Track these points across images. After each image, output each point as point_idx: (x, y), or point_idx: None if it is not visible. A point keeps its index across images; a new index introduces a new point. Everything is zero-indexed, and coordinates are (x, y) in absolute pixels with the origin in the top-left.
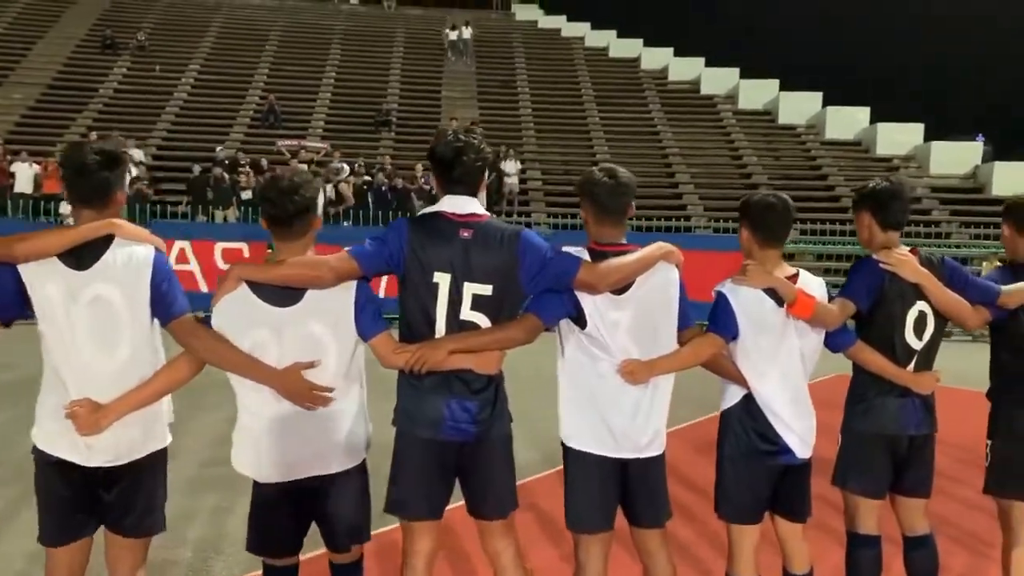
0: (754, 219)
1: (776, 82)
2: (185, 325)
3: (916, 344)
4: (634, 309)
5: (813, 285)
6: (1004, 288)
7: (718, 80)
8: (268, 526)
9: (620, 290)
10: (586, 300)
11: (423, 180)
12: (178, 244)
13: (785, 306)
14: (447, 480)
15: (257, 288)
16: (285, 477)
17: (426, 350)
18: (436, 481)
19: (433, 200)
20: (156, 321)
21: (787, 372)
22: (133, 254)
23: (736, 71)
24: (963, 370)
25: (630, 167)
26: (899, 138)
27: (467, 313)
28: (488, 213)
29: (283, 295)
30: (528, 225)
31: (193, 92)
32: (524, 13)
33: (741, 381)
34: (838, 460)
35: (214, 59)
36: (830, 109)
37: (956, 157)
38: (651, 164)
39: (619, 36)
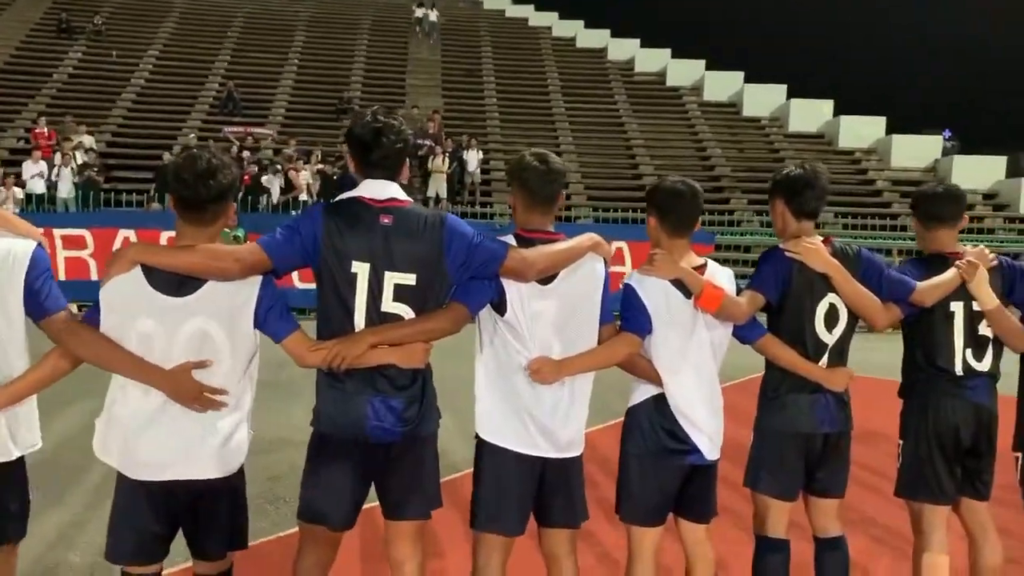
0: (661, 207)
1: (741, 74)
2: (58, 323)
3: (827, 338)
4: (559, 300)
5: (721, 276)
6: (919, 285)
7: (684, 72)
8: (134, 529)
9: (546, 280)
10: (511, 288)
11: None
12: (123, 232)
13: (692, 298)
14: (366, 486)
15: (150, 273)
16: (156, 477)
17: (344, 345)
18: (356, 488)
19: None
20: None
21: (699, 368)
22: (11, 248)
23: (702, 63)
24: (896, 361)
25: (594, 158)
26: (862, 131)
27: (389, 304)
28: (409, 199)
29: (177, 284)
30: (491, 216)
31: (151, 78)
32: (492, 2)
33: (656, 379)
34: (750, 460)
35: (174, 45)
36: (794, 102)
37: (917, 151)
38: (615, 155)
39: (586, 27)
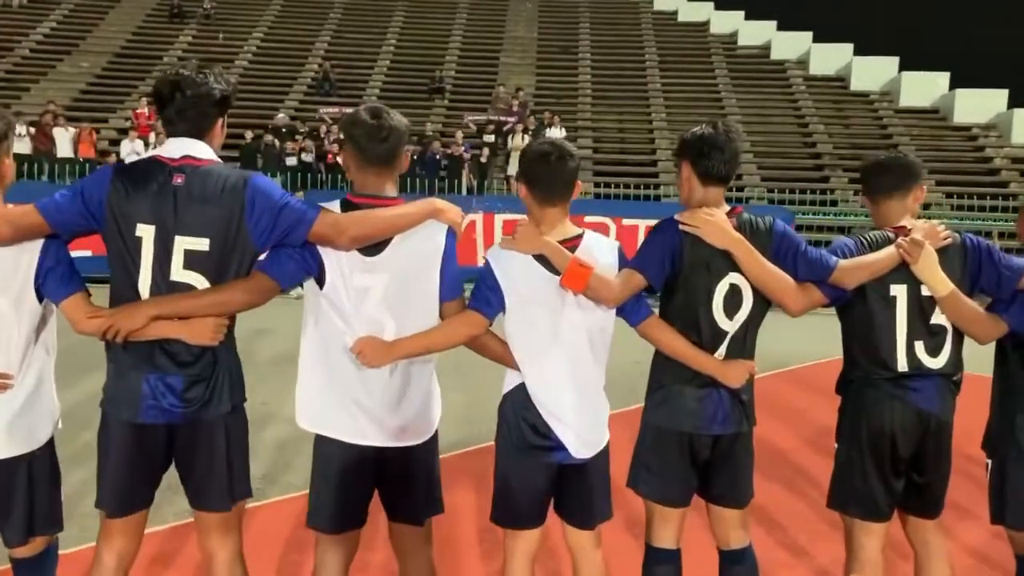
0: (527, 172)
1: (850, 46)
2: None
3: (727, 325)
4: (389, 274)
5: (600, 250)
6: (842, 263)
7: (789, 44)
8: None
9: (372, 251)
10: (330, 258)
11: (463, 148)
12: None
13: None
14: (153, 470)
15: None
16: None
17: (121, 315)
18: (139, 472)
19: (482, 169)
20: None
21: (568, 355)
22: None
23: (809, 35)
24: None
25: None
26: (981, 105)
27: (180, 273)
28: (212, 158)
29: None
30: None
31: (254, 60)
32: None
33: (511, 363)
34: (632, 459)
35: (277, 27)
36: (906, 75)
37: None
38: None
39: (689, 0)
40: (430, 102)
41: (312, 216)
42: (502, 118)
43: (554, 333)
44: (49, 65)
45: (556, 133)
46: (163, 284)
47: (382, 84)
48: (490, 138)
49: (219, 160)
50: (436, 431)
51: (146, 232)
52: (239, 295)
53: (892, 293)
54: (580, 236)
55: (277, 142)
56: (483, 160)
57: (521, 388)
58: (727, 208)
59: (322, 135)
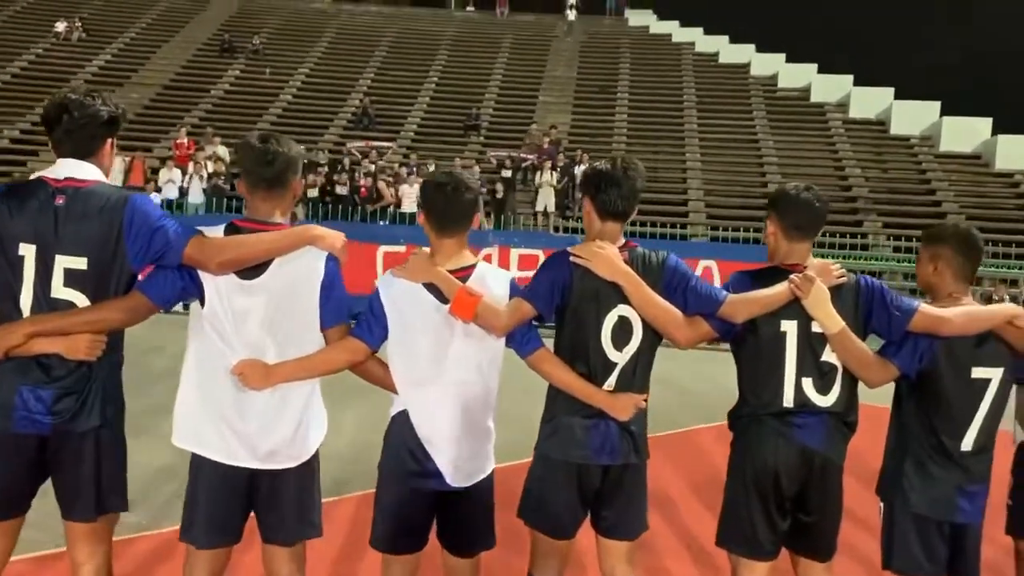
0: (425, 202)
1: (891, 90)
2: None
3: (616, 356)
4: (267, 297)
5: (492, 281)
6: (731, 297)
7: (830, 87)
8: None
9: (250, 274)
10: (208, 281)
11: (480, 183)
12: None
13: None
14: (29, 478)
15: None
16: None
17: (0, 333)
18: (13, 480)
19: (499, 204)
20: None
21: (451, 384)
22: None
23: (849, 78)
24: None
25: (723, 175)
26: (1023, 152)
27: (60, 290)
28: (96, 179)
29: None
30: None
31: (298, 95)
32: (637, 19)
33: (388, 383)
34: (523, 489)
35: (323, 63)
36: (947, 119)
37: None
38: (745, 173)
39: (731, 42)
40: (465, 139)
41: (182, 242)
42: (522, 155)
43: (437, 362)
44: None
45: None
46: (44, 301)
47: (420, 120)
48: (507, 173)
49: (104, 181)
50: (315, 454)
51: (28, 251)
52: (114, 313)
53: (782, 329)
54: (473, 266)
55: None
56: (499, 195)
57: (404, 414)
58: (622, 242)
59: (346, 168)
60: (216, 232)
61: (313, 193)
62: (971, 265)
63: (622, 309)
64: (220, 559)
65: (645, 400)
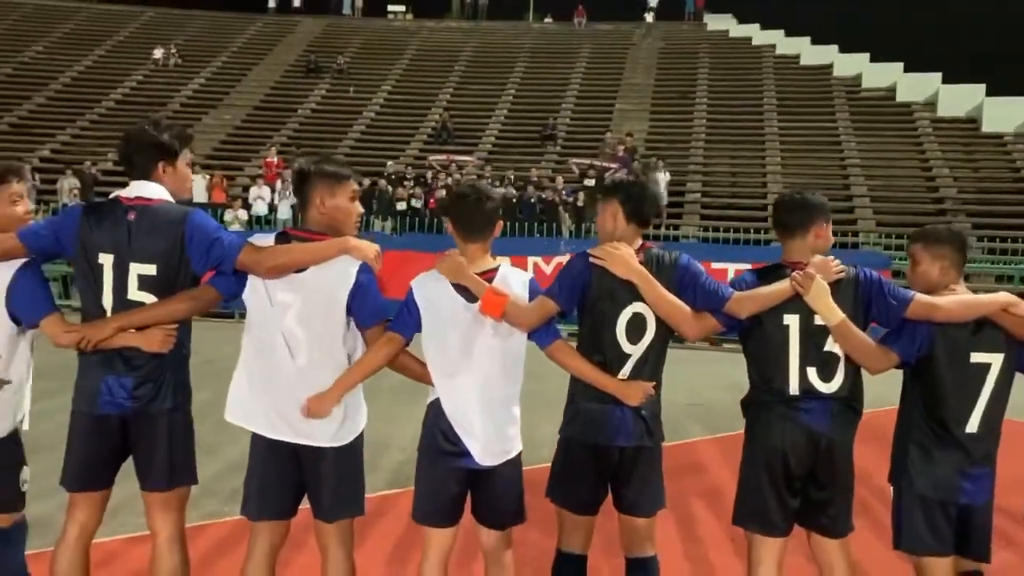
0: (450, 211)
1: (982, 87)
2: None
3: (630, 348)
4: (304, 295)
5: (513, 281)
6: (736, 294)
7: (916, 86)
8: None
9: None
10: (258, 278)
11: (564, 192)
12: None
13: (477, 305)
14: (112, 454)
15: None
16: None
17: (92, 329)
18: (98, 455)
19: (579, 213)
20: None
21: (478, 374)
22: None
23: (938, 76)
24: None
25: (803, 178)
26: None
27: (135, 293)
28: (161, 197)
29: None
30: (676, 239)
31: (380, 111)
32: (716, 23)
33: (426, 379)
34: (550, 469)
35: (405, 80)
36: None
37: None
38: (826, 176)
39: (813, 43)
40: (541, 148)
41: (235, 251)
42: (605, 164)
43: (467, 354)
44: (196, 118)
45: (661, 177)
46: (121, 303)
47: (497, 132)
48: (590, 182)
49: (168, 199)
50: (356, 440)
51: (107, 259)
52: (181, 305)
53: (785, 322)
54: (496, 269)
55: (390, 188)
56: (579, 204)
57: (438, 401)
58: (639, 243)
59: (429, 181)
60: (268, 240)
61: (402, 207)
62: (964, 260)
63: (637, 306)
64: (276, 532)
65: (655, 387)
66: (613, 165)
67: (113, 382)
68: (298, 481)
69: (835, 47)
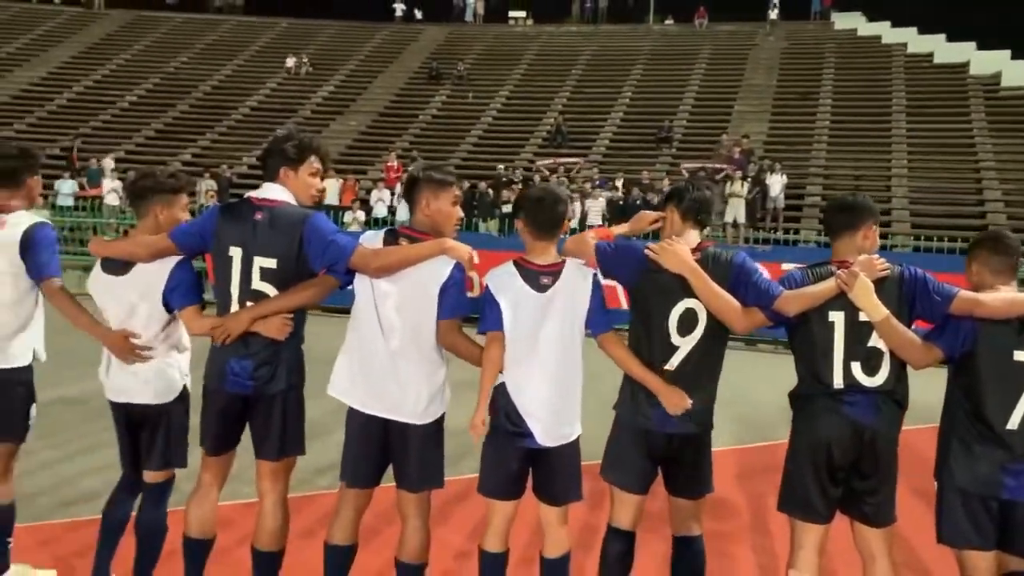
0: (525, 211)
1: None
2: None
3: (679, 341)
4: (403, 286)
5: (579, 273)
6: (785, 293)
7: None
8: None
9: None
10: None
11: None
12: None
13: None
14: (235, 426)
15: (104, 260)
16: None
17: (231, 322)
18: (224, 425)
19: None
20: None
21: (542, 361)
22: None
23: None
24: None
25: (932, 181)
26: None
27: (257, 283)
28: (284, 199)
29: (117, 265)
30: (794, 243)
31: (498, 116)
32: (844, 22)
33: (477, 363)
34: (604, 450)
35: (523, 84)
36: None
37: None
38: (957, 180)
39: (948, 40)
40: (656, 151)
41: (348, 253)
42: (716, 165)
43: (532, 342)
44: (324, 124)
45: (778, 180)
46: (246, 292)
47: (612, 135)
48: None
49: (291, 201)
50: (438, 421)
51: (235, 252)
52: (309, 290)
53: (831, 319)
54: (563, 261)
55: (491, 192)
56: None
57: (504, 385)
58: (697, 242)
59: (535, 185)
60: (377, 237)
61: (507, 209)
62: (1008, 260)
63: (689, 301)
64: (362, 499)
65: (707, 381)
66: (724, 166)
67: (235, 364)
68: (385, 455)
69: (972, 44)
